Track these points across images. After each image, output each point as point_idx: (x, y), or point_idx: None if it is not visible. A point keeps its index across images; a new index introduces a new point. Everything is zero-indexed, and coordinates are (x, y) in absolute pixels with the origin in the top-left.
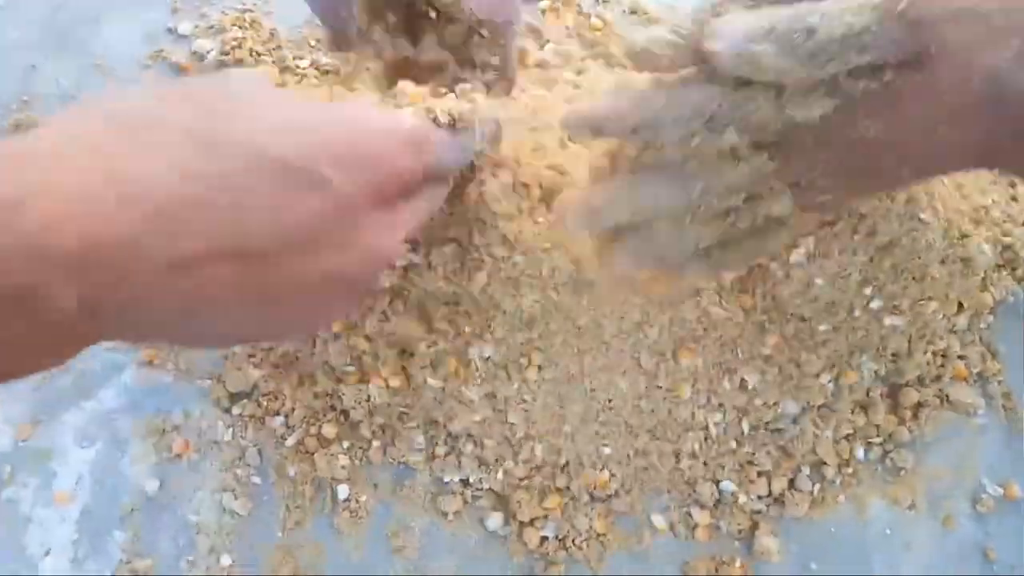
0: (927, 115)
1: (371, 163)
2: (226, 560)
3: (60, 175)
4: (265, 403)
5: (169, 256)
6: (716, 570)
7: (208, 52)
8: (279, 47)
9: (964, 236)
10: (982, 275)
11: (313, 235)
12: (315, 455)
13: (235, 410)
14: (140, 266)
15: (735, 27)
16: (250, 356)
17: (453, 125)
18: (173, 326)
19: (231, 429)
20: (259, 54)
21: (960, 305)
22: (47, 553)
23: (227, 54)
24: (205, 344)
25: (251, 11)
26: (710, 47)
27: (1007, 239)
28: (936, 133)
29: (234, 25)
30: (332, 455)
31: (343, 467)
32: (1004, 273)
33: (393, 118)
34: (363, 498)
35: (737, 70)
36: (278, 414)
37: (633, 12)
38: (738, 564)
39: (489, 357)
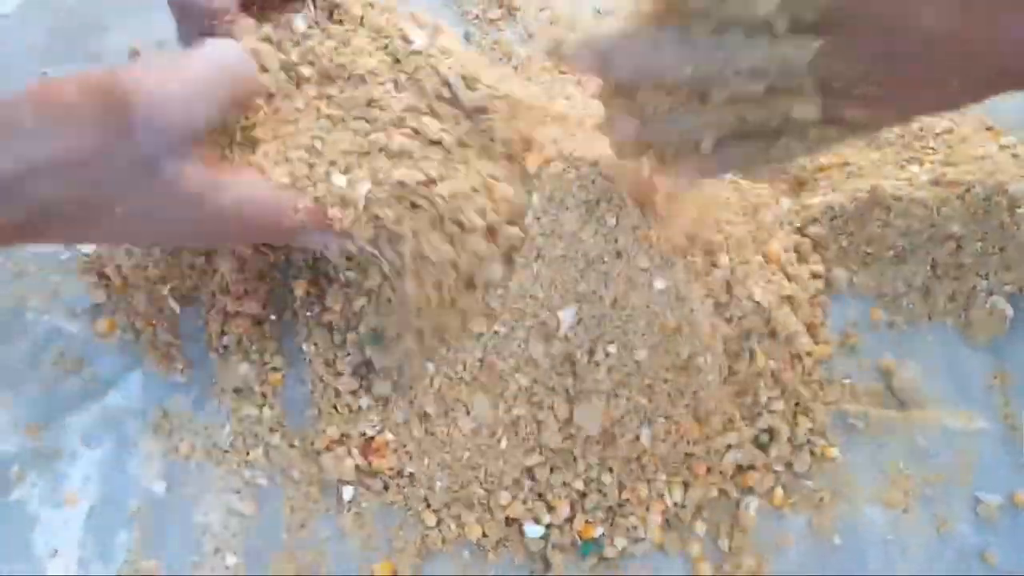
0: None
1: None
2: (231, 560)
3: None
4: None
5: None
6: (720, 568)
7: None
8: None
9: None
10: None
11: None
12: (321, 456)
13: (243, 411)
14: None
15: None
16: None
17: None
18: None
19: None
20: None
21: None
22: (54, 554)
23: None
24: None
25: None
26: None
27: None
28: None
29: None
30: (338, 456)
31: (350, 468)
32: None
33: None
34: (368, 499)
35: None
36: None
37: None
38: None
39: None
